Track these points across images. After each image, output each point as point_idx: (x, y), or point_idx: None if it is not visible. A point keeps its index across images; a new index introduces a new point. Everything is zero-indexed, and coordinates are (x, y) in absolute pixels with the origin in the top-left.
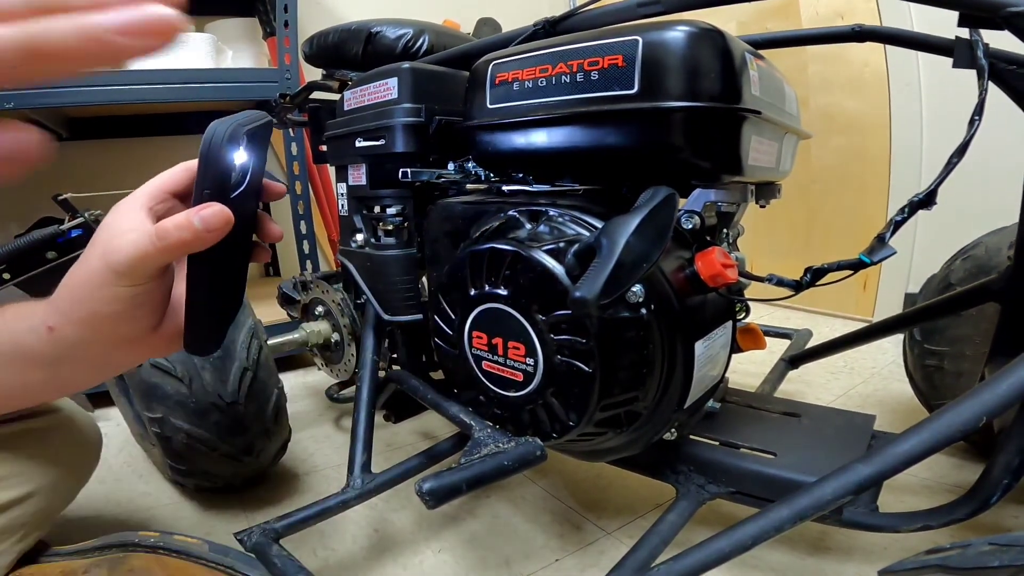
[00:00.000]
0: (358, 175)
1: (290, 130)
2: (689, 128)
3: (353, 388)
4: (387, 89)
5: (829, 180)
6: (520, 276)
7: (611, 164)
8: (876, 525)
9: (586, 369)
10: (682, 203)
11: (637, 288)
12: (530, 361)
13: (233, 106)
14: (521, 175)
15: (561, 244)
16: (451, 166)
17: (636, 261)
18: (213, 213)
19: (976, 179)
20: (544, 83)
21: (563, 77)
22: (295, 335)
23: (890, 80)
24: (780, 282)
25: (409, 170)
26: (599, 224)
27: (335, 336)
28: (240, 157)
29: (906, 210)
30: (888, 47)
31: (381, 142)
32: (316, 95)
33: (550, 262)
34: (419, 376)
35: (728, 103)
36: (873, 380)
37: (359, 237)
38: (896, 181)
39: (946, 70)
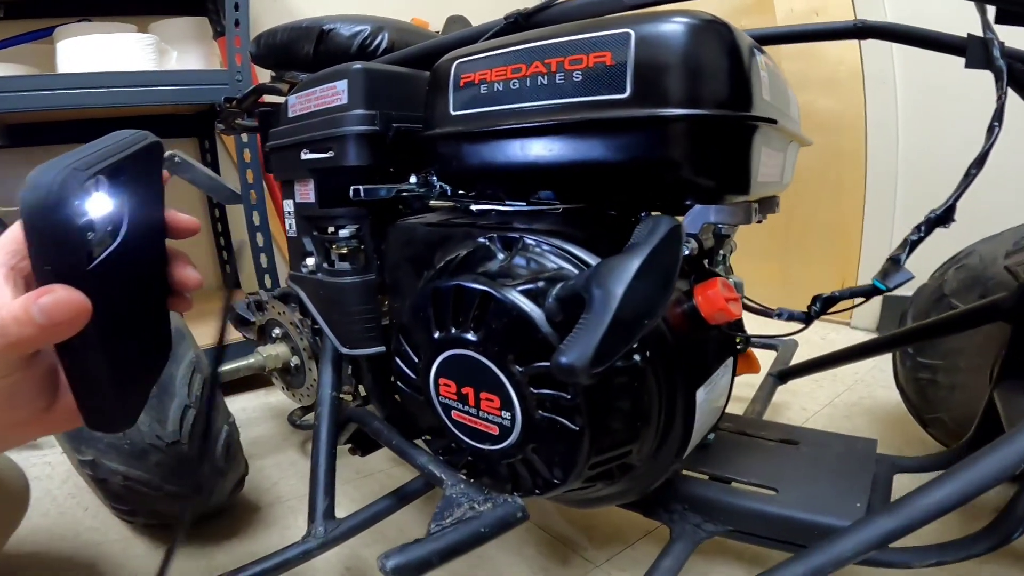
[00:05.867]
0: (305, 191)
1: (242, 136)
2: (691, 140)
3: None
4: (336, 93)
5: (805, 180)
6: (492, 320)
7: (596, 181)
8: (887, 561)
9: (572, 427)
10: None
11: None
12: (506, 415)
13: (181, 110)
14: (490, 191)
15: (540, 284)
16: (413, 179)
17: (636, 317)
18: (55, 302)
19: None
20: (517, 85)
21: (539, 78)
22: (251, 359)
23: (865, 78)
24: (791, 316)
25: (361, 187)
26: (583, 255)
27: (295, 359)
28: (100, 206)
29: (922, 228)
30: (864, 46)
31: (330, 154)
32: (269, 98)
33: (527, 305)
34: (385, 408)
35: (738, 110)
36: (857, 387)
37: (310, 261)
38: (872, 180)
39: (921, 68)
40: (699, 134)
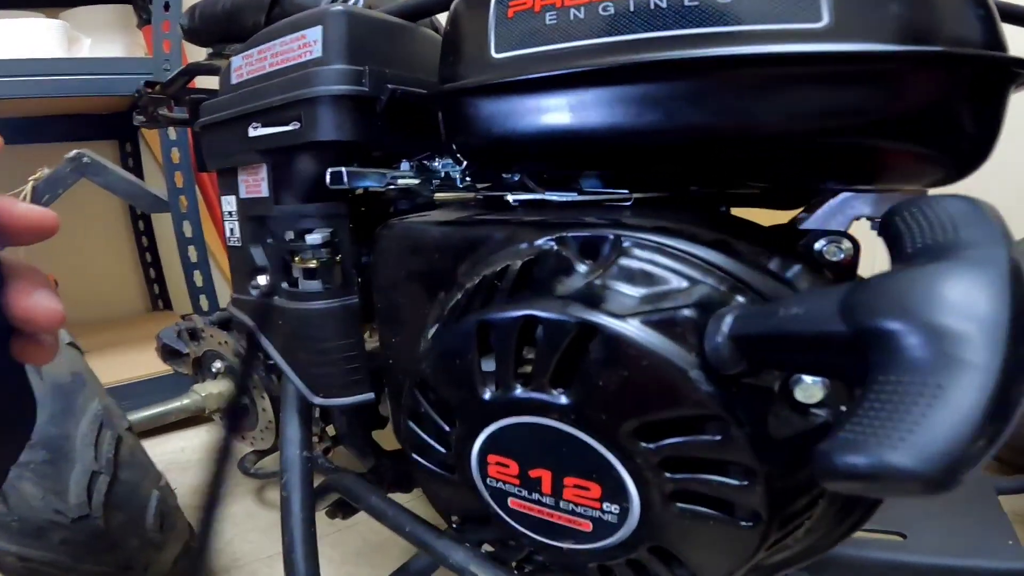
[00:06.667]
0: (254, 182)
1: (168, 131)
2: (930, 90)
3: (275, 456)
4: (305, 45)
5: None
6: (599, 372)
7: (730, 154)
8: None
9: (739, 522)
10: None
11: (812, 380)
12: (611, 507)
13: (97, 107)
14: (517, 176)
15: (685, 312)
16: (405, 165)
17: (1020, 378)
18: None
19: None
20: (611, 10)
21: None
22: (184, 401)
23: None
24: None
25: (344, 170)
26: (732, 266)
27: (243, 398)
28: None
29: None
30: None
31: (294, 126)
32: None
33: (669, 349)
34: (367, 458)
35: (996, 50)
36: None
37: (262, 280)
38: None
39: None
40: (943, 81)
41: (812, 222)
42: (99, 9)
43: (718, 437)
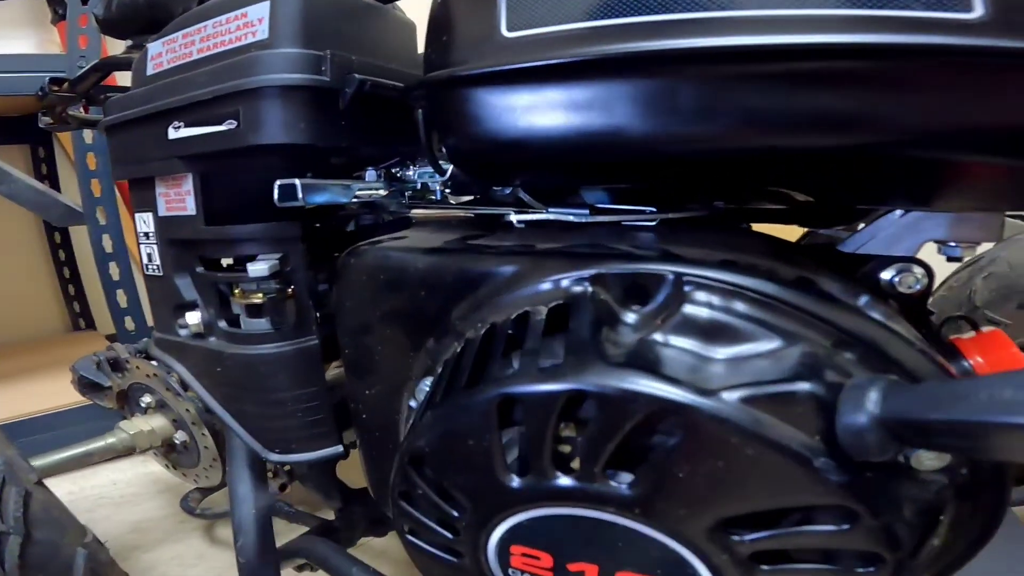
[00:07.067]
0: (177, 196)
1: (84, 134)
2: None
3: (223, 492)
4: (247, 24)
5: None
6: (679, 460)
7: (820, 163)
8: None
9: None
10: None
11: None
12: None
13: (6, 105)
14: (509, 189)
15: (801, 383)
16: (371, 174)
17: None
18: None
19: None
20: None
21: None
22: (111, 440)
23: None
24: None
25: (298, 182)
26: (820, 307)
27: (180, 435)
28: None
29: None
30: None
31: (229, 126)
32: (123, 79)
33: (779, 431)
34: (332, 499)
35: None
36: None
37: (193, 318)
38: None
39: None
40: None
41: (873, 245)
42: (6, 5)
43: (845, 527)
